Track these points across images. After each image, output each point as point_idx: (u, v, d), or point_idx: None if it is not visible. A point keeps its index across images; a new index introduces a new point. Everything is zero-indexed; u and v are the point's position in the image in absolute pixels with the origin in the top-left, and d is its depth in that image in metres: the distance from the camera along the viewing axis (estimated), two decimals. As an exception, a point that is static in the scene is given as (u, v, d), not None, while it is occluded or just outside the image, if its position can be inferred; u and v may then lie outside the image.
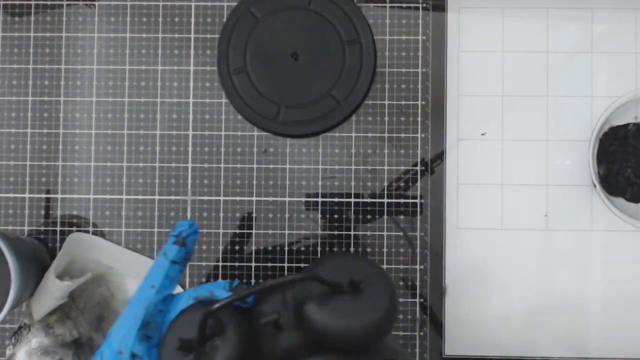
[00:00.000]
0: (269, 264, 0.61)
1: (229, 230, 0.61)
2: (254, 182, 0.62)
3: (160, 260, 0.46)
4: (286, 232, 0.61)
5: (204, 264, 0.61)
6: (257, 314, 0.45)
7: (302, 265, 0.61)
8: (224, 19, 0.61)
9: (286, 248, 0.61)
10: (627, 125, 0.60)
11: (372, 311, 0.41)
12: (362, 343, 0.41)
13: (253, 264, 0.61)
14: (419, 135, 0.61)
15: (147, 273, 0.46)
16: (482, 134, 0.62)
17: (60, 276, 0.58)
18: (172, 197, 0.62)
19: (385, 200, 0.61)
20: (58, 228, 0.62)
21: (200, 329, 0.41)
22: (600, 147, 0.60)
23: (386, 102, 0.62)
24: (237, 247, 0.61)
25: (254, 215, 0.61)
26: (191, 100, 0.62)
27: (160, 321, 0.45)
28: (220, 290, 0.46)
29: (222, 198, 0.61)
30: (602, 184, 0.59)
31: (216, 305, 0.41)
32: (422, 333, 0.60)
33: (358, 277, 0.42)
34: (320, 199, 0.61)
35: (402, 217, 0.61)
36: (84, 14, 0.63)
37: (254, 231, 0.61)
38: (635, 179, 0.59)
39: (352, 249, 0.61)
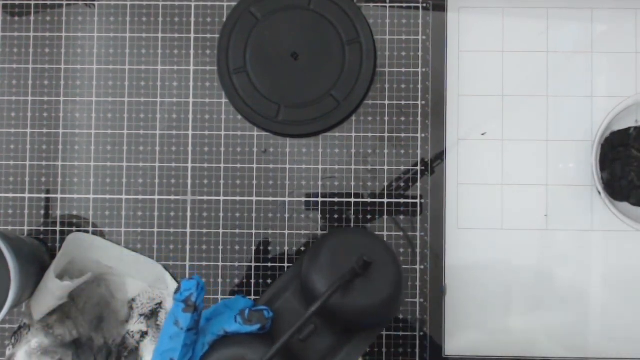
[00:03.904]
0: (269, 264, 0.61)
1: (229, 230, 0.61)
2: (254, 182, 0.62)
3: (173, 330, 0.42)
4: (286, 232, 0.61)
5: (204, 264, 0.61)
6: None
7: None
8: (224, 19, 0.61)
9: (286, 248, 0.61)
10: (628, 129, 0.60)
11: (386, 286, 0.45)
12: (383, 315, 0.46)
13: (253, 264, 0.61)
14: (419, 135, 0.61)
15: (161, 343, 0.43)
16: (482, 134, 0.62)
17: (60, 276, 0.58)
18: (172, 197, 0.62)
19: (385, 200, 0.61)
20: (58, 228, 0.61)
21: None
22: (602, 152, 0.60)
23: (386, 102, 0.62)
24: (237, 247, 0.61)
25: (254, 215, 0.61)
26: (191, 100, 0.62)
27: None
28: (233, 325, 0.44)
29: (222, 198, 0.61)
30: (606, 189, 0.59)
31: None
32: (422, 333, 0.60)
33: (367, 254, 0.45)
34: (320, 199, 0.61)
35: (402, 217, 0.61)
36: (84, 14, 0.63)
37: (254, 231, 0.61)
38: (639, 183, 0.59)
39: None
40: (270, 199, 0.61)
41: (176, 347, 0.42)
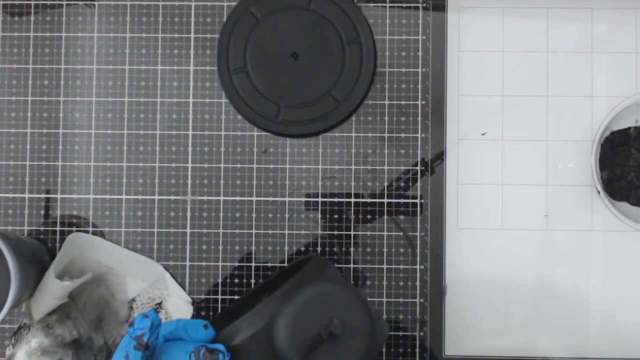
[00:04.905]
0: (269, 264, 0.61)
1: (229, 230, 0.61)
2: (254, 182, 0.62)
3: None
4: (286, 232, 0.61)
5: (203, 264, 0.61)
6: None
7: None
8: (224, 19, 0.61)
9: (286, 248, 0.61)
10: (627, 129, 0.60)
11: (351, 357, 0.44)
12: None
13: (253, 264, 0.61)
14: (419, 135, 0.61)
15: None
16: (482, 134, 0.62)
17: (60, 276, 0.58)
18: (172, 197, 0.62)
19: (385, 200, 0.61)
20: (58, 228, 0.62)
21: None
22: (602, 151, 0.60)
23: (386, 102, 0.62)
24: (237, 247, 0.61)
25: (254, 215, 0.61)
26: (191, 100, 0.62)
27: None
28: None
29: (222, 198, 0.61)
30: (605, 189, 0.59)
31: None
32: (422, 333, 0.61)
33: (341, 317, 0.44)
34: (320, 199, 0.61)
35: (402, 217, 0.61)
36: (84, 14, 0.63)
37: (254, 231, 0.61)
38: (639, 183, 0.59)
39: (352, 249, 0.61)
40: (270, 199, 0.61)
41: None
